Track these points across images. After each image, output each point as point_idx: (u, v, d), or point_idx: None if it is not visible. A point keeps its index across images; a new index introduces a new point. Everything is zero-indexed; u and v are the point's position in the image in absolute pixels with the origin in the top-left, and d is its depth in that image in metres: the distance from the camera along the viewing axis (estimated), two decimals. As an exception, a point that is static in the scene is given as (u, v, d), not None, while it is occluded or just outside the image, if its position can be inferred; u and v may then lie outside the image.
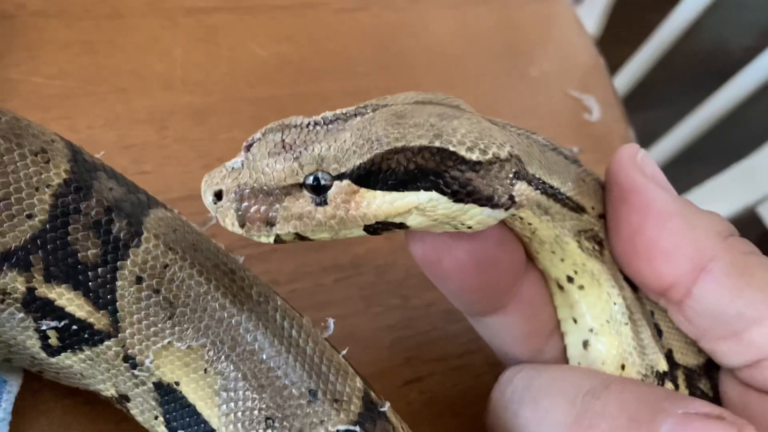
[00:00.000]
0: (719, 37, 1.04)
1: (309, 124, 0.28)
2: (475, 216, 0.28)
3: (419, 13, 0.56)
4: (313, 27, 0.51)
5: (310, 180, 0.27)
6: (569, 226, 0.32)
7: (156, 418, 0.29)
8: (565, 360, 0.34)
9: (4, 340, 0.29)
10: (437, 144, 0.27)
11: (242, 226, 0.27)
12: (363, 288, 0.39)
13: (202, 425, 0.28)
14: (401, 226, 0.28)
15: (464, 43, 0.57)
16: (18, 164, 0.27)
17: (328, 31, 0.52)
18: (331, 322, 0.30)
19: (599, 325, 0.33)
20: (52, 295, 0.27)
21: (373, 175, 0.27)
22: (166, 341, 0.28)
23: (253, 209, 0.27)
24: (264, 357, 0.28)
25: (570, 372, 0.32)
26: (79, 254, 0.27)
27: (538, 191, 0.30)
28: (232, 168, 0.28)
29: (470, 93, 0.55)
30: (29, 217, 0.27)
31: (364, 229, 0.28)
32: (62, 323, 0.28)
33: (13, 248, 0.27)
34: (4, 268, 0.27)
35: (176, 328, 0.28)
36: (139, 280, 0.28)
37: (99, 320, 0.28)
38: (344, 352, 0.29)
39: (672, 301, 0.31)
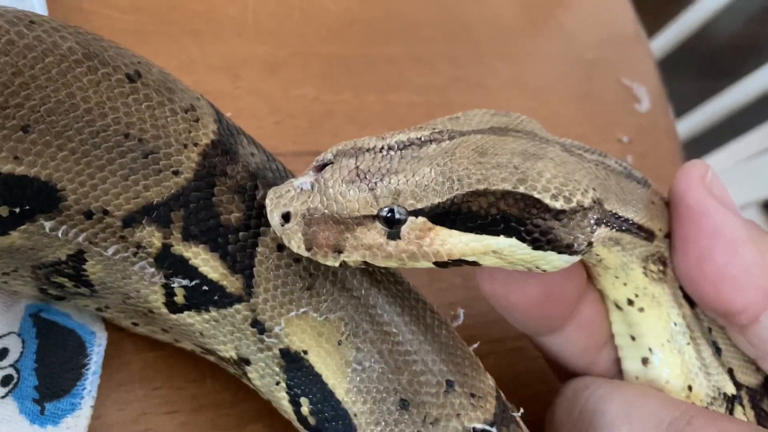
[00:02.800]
0: (706, 22, 1.05)
1: (383, 148, 0.28)
2: (552, 261, 0.28)
3: (484, -21, 0.56)
4: (382, -16, 0.51)
5: (385, 213, 0.27)
6: (638, 254, 0.32)
7: (277, 383, 0.31)
8: (616, 370, 0.36)
9: (125, 291, 0.30)
10: (521, 190, 0.26)
11: (308, 249, 0.28)
12: (425, 276, 0.40)
13: (327, 395, 0.29)
14: (474, 263, 0.28)
15: (525, 19, 0.58)
16: (168, 119, 0.28)
17: (395, -10, 0.52)
18: (461, 312, 0.31)
19: (659, 344, 0.34)
20: (187, 254, 0.28)
21: (451, 215, 0.27)
22: (301, 311, 0.29)
23: (321, 235, 0.27)
24: (401, 339, 0.29)
25: (645, 399, 0.33)
26: (221, 216, 0.28)
27: (614, 229, 0.30)
28: (301, 189, 0.28)
29: (530, 72, 0.56)
30: (175, 173, 0.28)
31: (434, 263, 0.28)
32: (193, 282, 0.29)
33: (155, 203, 0.27)
34: (143, 221, 0.27)
35: (313, 299, 0.29)
36: (280, 248, 0.29)
37: (232, 284, 0.29)
38: (475, 346, 0.31)
39: (735, 325, 0.32)
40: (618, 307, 0.34)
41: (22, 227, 0.27)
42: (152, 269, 0.28)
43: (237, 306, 0.29)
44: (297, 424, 0.31)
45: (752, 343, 0.33)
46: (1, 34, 0.25)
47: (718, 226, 0.31)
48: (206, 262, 0.28)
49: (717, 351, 0.34)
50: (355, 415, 0.29)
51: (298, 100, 0.45)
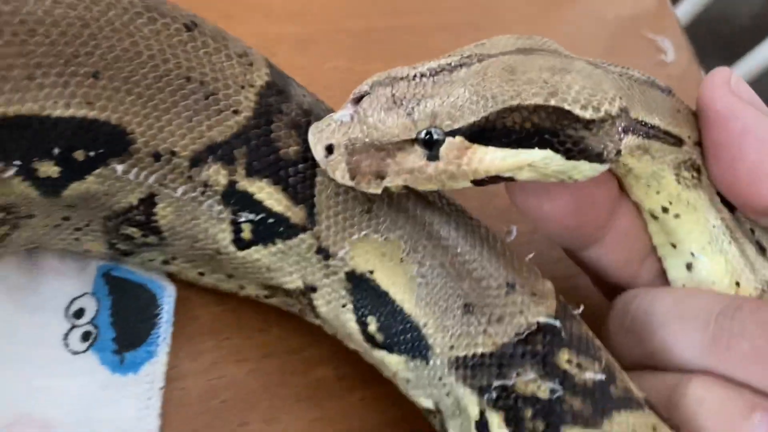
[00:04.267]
0: (726, 5, 1.07)
1: (416, 75, 0.29)
2: (584, 171, 0.30)
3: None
4: (403, -39, 0.55)
5: (424, 135, 0.29)
6: (669, 161, 0.34)
7: (344, 306, 0.33)
8: (661, 282, 0.37)
9: (194, 234, 0.32)
10: (553, 103, 0.28)
11: (353, 178, 0.30)
12: (474, 199, 0.41)
13: (395, 310, 0.31)
14: (510, 179, 0.30)
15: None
16: (225, 64, 0.31)
17: (417, -34, 0.55)
18: (514, 228, 0.33)
19: (701, 247, 0.35)
20: (252, 189, 0.31)
21: (486, 132, 0.28)
22: (362, 233, 0.31)
23: (364, 164, 0.29)
24: (459, 250, 0.31)
25: (693, 295, 0.35)
26: (281, 151, 0.31)
27: (641, 136, 0.32)
28: (341, 121, 0.30)
29: (552, 34, 0.58)
30: (235, 113, 0.30)
31: (472, 182, 0.30)
32: (259, 216, 0.31)
33: (218, 142, 0.30)
34: (209, 160, 0.30)
35: (373, 222, 0.31)
36: None
37: (296, 214, 0.31)
38: (531, 256, 0.32)
39: None
40: (654, 217, 0.36)
41: (97, 171, 0.29)
42: (220, 207, 0.31)
43: (301, 236, 0.32)
44: (364, 344, 0.33)
45: None
46: None
47: (747, 126, 0.32)
48: (270, 196, 0.31)
49: (762, 250, 0.36)
50: (424, 325, 0.30)
51: (332, 73, 0.48)
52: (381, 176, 0.29)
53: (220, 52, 0.31)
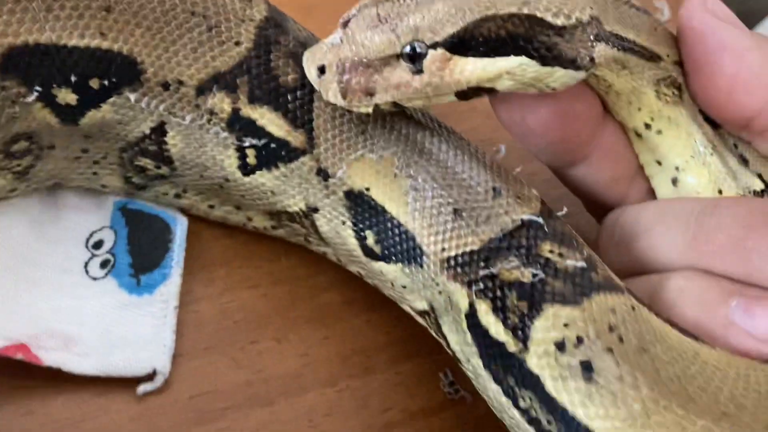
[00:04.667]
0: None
1: None
2: (560, 78, 0.31)
3: None
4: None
5: (407, 50, 0.30)
6: (647, 77, 0.35)
7: (343, 223, 0.35)
8: (651, 200, 0.39)
9: (202, 161, 0.35)
10: (525, 11, 0.30)
11: (344, 97, 0.31)
12: (465, 122, 0.42)
13: (391, 222, 0.33)
14: (491, 91, 0.32)
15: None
16: (226, 0, 0.33)
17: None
18: (502, 147, 0.35)
19: (684, 161, 0.37)
20: (254, 116, 0.33)
21: (465, 42, 0.30)
22: (358, 153, 0.33)
23: (354, 81, 0.31)
24: (449, 164, 0.33)
25: (676, 201, 0.36)
26: (280, 79, 0.33)
27: (616, 48, 0.33)
28: (332, 44, 0.31)
29: None
30: (237, 44, 0.33)
31: (456, 95, 0.32)
32: (262, 141, 0.34)
33: (222, 71, 0.33)
34: (213, 89, 0.33)
35: (368, 142, 0.34)
36: None
37: (296, 138, 0.34)
38: (518, 170, 0.34)
39: (755, 132, 0.35)
40: (638, 134, 0.37)
41: (111, 100, 0.32)
42: (225, 133, 0.34)
43: (302, 158, 0.34)
44: (363, 258, 0.35)
45: None
46: None
47: (723, 40, 0.34)
48: (271, 122, 0.33)
49: (744, 162, 0.37)
50: (418, 233, 0.33)
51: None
52: (370, 93, 0.31)
53: None
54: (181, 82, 0.33)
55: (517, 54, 0.30)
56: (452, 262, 0.32)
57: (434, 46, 0.30)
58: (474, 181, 0.33)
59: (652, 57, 0.35)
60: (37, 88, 0.30)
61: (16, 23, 0.29)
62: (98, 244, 0.38)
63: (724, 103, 0.35)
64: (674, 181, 0.37)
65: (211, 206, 0.39)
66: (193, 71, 0.33)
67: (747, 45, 0.34)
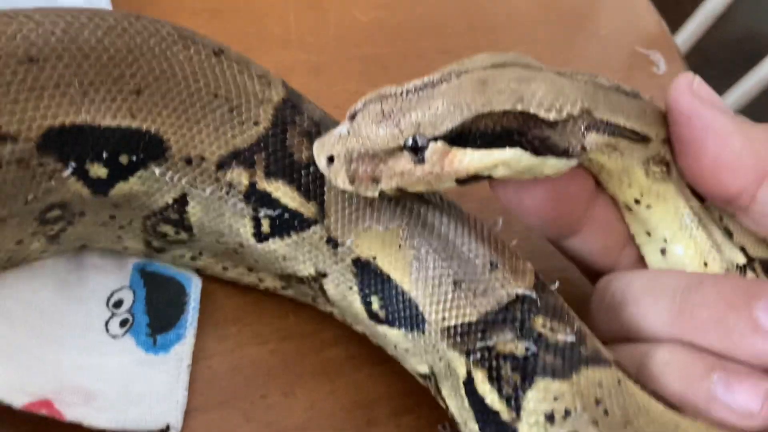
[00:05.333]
0: (750, 23, 1.11)
1: (402, 92, 0.34)
2: (553, 166, 0.35)
3: (497, -22, 0.66)
4: (404, -7, 0.62)
5: (410, 142, 0.33)
6: (637, 157, 0.38)
7: (350, 288, 0.38)
8: (642, 267, 0.41)
9: (219, 229, 0.38)
10: (519, 107, 0.33)
11: (352, 183, 0.34)
12: (465, 197, 0.44)
13: (395, 290, 0.36)
14: (489, 177, 0.35)
15: (539, 6, 0.66)
16: (247, 83, 0.37)
17: (418, -3, 0.62)
18: (500, 220, 0.39)
19: (672, 233, 0.40)
20: (270, 189, 0.36)
21: (464, 136, 0.33)
22: (366, 224, 0.36)
23: (361, 170, 0.34)
24: (450, 236, 0.36)
25: (664, 274, 0.39)
26: (294, 156, 0.36)
27: (606, 134, 0.36)
28: (339, 135, 0.34)
29: (548, 50, 0.65)
30: (255, 123, 0.36)
31: (456, 181, 0.35)
32: (276, 212, 0.36)
33: (241, 148, 0.36)
34: (233, 164, 0.36)
35: (375, 214, 0.37)
36: None
37: (308, 209, 0.37)
38: (514, 242, 0.37)
39: (739, 208, 0.38)
40: (628, 208, 0.40)
41: (138, 173, 0.35)
42: (242, 204, 0.36)
43: (313, 228, 0.37)
44: (368, 321, 0.38)
45: (756, 221, 0.38)
46: (117, 23, 0.34)
47: (708, 124, 0.37)
48: (285, 194, 0.36)
49: (729, 234, 0.40)
50: (420, 301, 0.35)
51: (342, 94, 0.54)
52: (376, 180, 0.34)
53: (242, 73, 0.37)
54: (203, 158, 0.36)
55: (511, 146, 0.33)
56: (452, 332, 0.34)
57: (435, 139, 0.33)
58: (473, 254, 0.36)
59: (642, 139, 0.38)
60: (72, 164, 0.34)
61: (55, 106, 0.33)
62: (118, 303, 0.41)
63: (709, 182, 0.38)
64: (663, 251, 0.40)
65: (225, 268, 0.42)
66: (215, 148, 0.36)
67: (730, 129, 0.37)
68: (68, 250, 0.40)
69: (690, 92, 0.38)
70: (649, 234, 0.41)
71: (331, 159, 0.35)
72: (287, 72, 0.54)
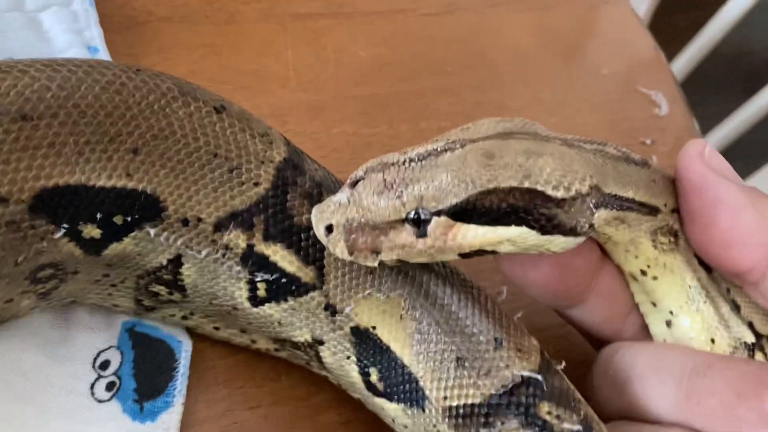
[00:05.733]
0: (743, 40, 1.14)
1: (405, 161, 0.34)
2: (560, 244, 0.34)
3: (497, 15, 0.67)
4: (404, 30, 0.62)
5: (412, 215, 0.33)
6: (645, 228, 0.38)
7: (348, 358, 0.38)
8: (645, 335, 0.42)
9: (213, 291, 0.38)
10: (526, 185, 0.33)
11: (351, 254, 0.34)
12: (469, 264, 0.47)
13: (395, 362, 0.36)
14: (493, 252, 0.34)
15: (539, 43, 0.67)
16: (248, 142, 0.36)
17: (417, 34, 0.62)
18: (504, 289, 0.38)
19: (678, 306, 0.40)
20: (267, 252, 0.36)
21: (468, 212, 0.33)
22: (366, 292, 0.36)
23: (360, 241, 0.34)
24: (453, 309, 0.36)
25: (670, 351, 0.39)
26: (294, 218, 0.36)
27: (615, 209, 0.36)
28: (339, 203, 0.34)
29: (548, 90, 0.65)
30: (256, 185, 0.36)
31: (459, 255, 0.34)
32: (273, 276, 0.36)
33: (240, 210, 0.35)
34: (231, 226, 0.35)
35: (375, 282, 0.36)
36: None
37: (306, 274, 0.36)
38: (518, 315, 0.38)
39: (748, 282, 0.38)
40: (634, 278, 0.40)
41: (132, 234, 0.35)
42: (238, 267, 0.36)
43: (311, 293, 0.36)
44: (365, 392, 0.38)
45: (765, 297, 0.38)
46: (116, 77, 0.34)
47: (719, 196, 0.37)
48: (284, 258, 0.36)
49: (736, 308, 0.40)
50: (422, 377, 0.35)
51: (340, 136, 0.54)
52: (376, 251, 0.34)
53: (244, 131, 0.36)
54: (200, 219, 0.35)
55: (518, 224, 0.33)
56: (454, 412, 0.34)
57: (438, 213, 0.33)
58: (477, 329, 0.36)
59: (651, 211, 0.38)
60: (65, 225, 0.33)
61: (49, 167, 0.32)
62: (105, 365, 0.40)
63: (719, 255, 0.38)
64: (668, 323, 0.40)
65: (216, 328, 0.41)
66: (212, 209, 0.35)
67: (742, 202, 0.37)
68: (57, 306, 0.39)
69: (701, 162, 0.38)
70: (654, 305, 0.41)
71: (329, 228, 0.34)
72: (285, 113, 0.54)
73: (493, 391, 0.34)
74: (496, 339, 0.35)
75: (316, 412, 0.42)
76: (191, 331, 0.42)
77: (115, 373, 0.40)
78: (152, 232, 0.35)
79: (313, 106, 0.54)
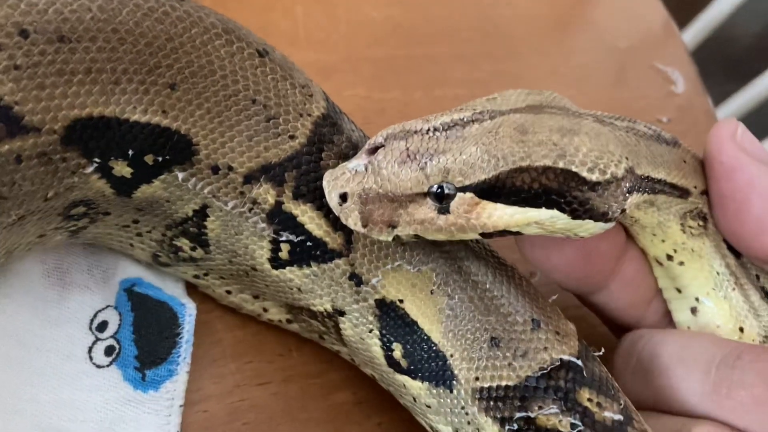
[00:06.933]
0: (730, 26, 1.21)
1: (429, 129, 0.35)
2: (589, 229, 0.35)
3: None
4: (419, -9, 0.64)
5: (435, 189, 0.34)
6: (674, 211, 0.40)
7: (370, 331, 0.39)
8: (667, 322, 0.44)
9: (235, 248, 0.39)
10: (561, 165, 0.33)
11: (365, 226, 0.35)
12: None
13: (422, 339, 0.37)
14: (517, 233, 0.35)
15: (556, 16, 0.71)
16: (288, 91, 0.37)
17: (433, -5, 0.64)
18: (538, 272, 0.40)
19: (705, 293, 0.41)
20: (296, 211, 0.37)
21: (497, 189, 0.33)
22: (396, 263, 0.37)
23: (377, 213, 0.35)
24: (488, 287, 0.37)
25: (697, 341, 0.40)
26: None
27: (647, 192, 0.37)
28: (355, 171, 0.35)
29: (565, 64, 0.69)
30: (291, 138, 0.37)
31: (480, 234, 0.35)
32: (299, 238, 0.37)
33: (272, 163, 0.36)
34: (261, 179, 0.36)
35: (406, 253, 0.38)
36: None
37: (334, 240, 0.37)
38: (554, 297, 0.39)
39: None
40: (659, 262, 0.42)
41: (161, 177, 0.35)
42: (264, 224, 0.37)
43: (337, 261, 0.38)
44: (386, 368, 0.39)
45: None
46: (159, 5, 0.34)
47: (752, 180, 0.38)
48: (312, 220, 0.37)
49: (766, 295, 0.42)
50: (451, 355, 0.37)
51: (352, 99, 0.55)
52: (392, 225, 0.35)
53: (285, 80, 0.38)
54: (230, 168, 0.36)
55: (548, 207, 0.34)
56: (485, 394, 0.35)
57: (463, 189, 0.34)
58: (513, 308, 0.37)
59: (681, 193, 0.40)
60: (96, 159, 0.34)
61: (84, 95, 0.32)
62: (102, 326, 0.40)
63: (751, 242, 0.40)
64: (693, 311, 0.43)
65: (228, 291, 0.42)
66: (245, 159, 0.36)
67: None
68: (46, 263, 0.40)
69: (733, 143, 0.39)
70: (679, 291, 0.43)
71: (343, 197, 0.35)
72: (293, 71, 0.55)
73: (530, 373, 0.35)
74: (533, 320, 0.37)
75: (329, 391, 0.44)
76: (196, 297, 0.42)
77: (113, 336, 0.40)
78: (180, 176, 0.36)
79: (324, 66, 0.56)
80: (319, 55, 0.56)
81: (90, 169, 0.34)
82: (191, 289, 0.43)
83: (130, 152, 0.34)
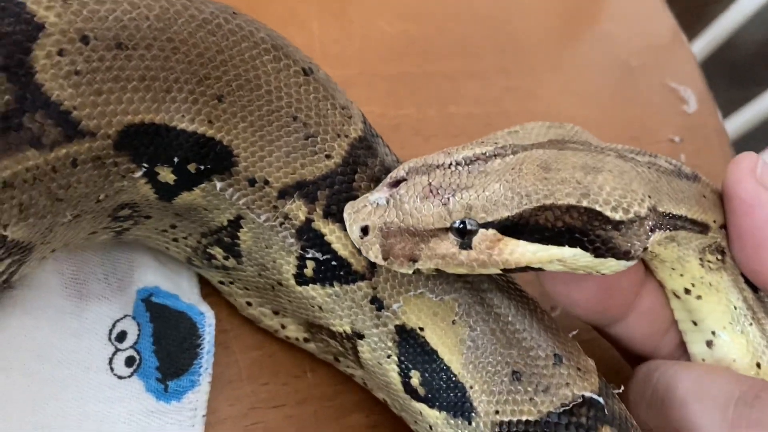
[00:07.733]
0: (732, 31, 1.27)
1: (451, 164, 0.37)
2: (611, 267, 0.37)
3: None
4: (433, 6, 0.67)
5: (458, 225, 0.36)
6: (693, 246, 0.42)
7: (389, 356, 0.41)
8: (681, 352, 0.46)
9: (264, 261, 0.41)
10: (585, 204, 0.35)
11: (385, 259, 0.37)
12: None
13: (441, 368, 0.40)
14: (539, 269, 0.37)
15: (569, 32, 0.75)
16: (329, 111, 0.40)
17: (446, 11, 0.68)
18: (558, 307, 0.43)
19: (722, 327, 0.44)
20: (324, 230, 0.40)
21: (520, 227, 0.35)
22: (419, 291, 0.40)
23: (398, 246, 0.37)
24: (510, 320, 0.40)
25: (715, 376, 0.41)
26: None
27: (668, 229, 0.39)
28: (377, 204, 0.37)
29: (578, 80, 0.73)
30: (327, 157, 0.40)
31: (501, 270, 0.37)
32: (324, 256, 0.40)
33: (307, 180, 0.39)
34: (295, 195, 0.39)
35: (430, 282, 0.40)
36: None
37: (359, 262, 0.40)
38: (574, 333, 0.42)
39: None
40: (676, 295, 0.45)
41: (202, 185, 0.38)
42: (292, 239, 0.40)
43: (359, 283, 0.40)
44: (402, 395, 0.42)
45: None
46: (213, 17, 0.37)
47: None
48: (339, 240, 0.40)
49: None
50: (471, 387, 0.39)
51: (367, 116, 0.58)
52: (413, 259, 0.37)
53: (327, 100, 0.41)
54: (267, 182, 0.39)
55: (571, 245, 0.36)
56: (505, 428, 0.38)
57: (486, 225, 0.36)
58: (535, 342, 0.40)
59: (702, 229, 0.42)
60: (144, 165, 0.37)
61: (137, 101, 0.35)
62: (121, 336, 0.42)
63: None
64: (709, 344, 0.45)
65: (249, 303, 0.45)
66: (281, 174, 0.39)
67: None
68: (63, 274, 0.43)
69: (752, 178, 0.41)
70: (695, 324, 0.46)
71: (365, 230, 0.37)
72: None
73: (552, 409, 0.37)
74: (555, 355, 0.39)
75: (342, 414, 0.46)
76: (216, 305, 0.45)
77: (133, 347, 0.42)
78: (219, 185, 0.39)
79: (339, 82, 0.58)
80: (334, 70, 0.58)
81: (138, 174, 0.37)
82: (207, 298, 0.46)
83: (176, 159, 0.37)
